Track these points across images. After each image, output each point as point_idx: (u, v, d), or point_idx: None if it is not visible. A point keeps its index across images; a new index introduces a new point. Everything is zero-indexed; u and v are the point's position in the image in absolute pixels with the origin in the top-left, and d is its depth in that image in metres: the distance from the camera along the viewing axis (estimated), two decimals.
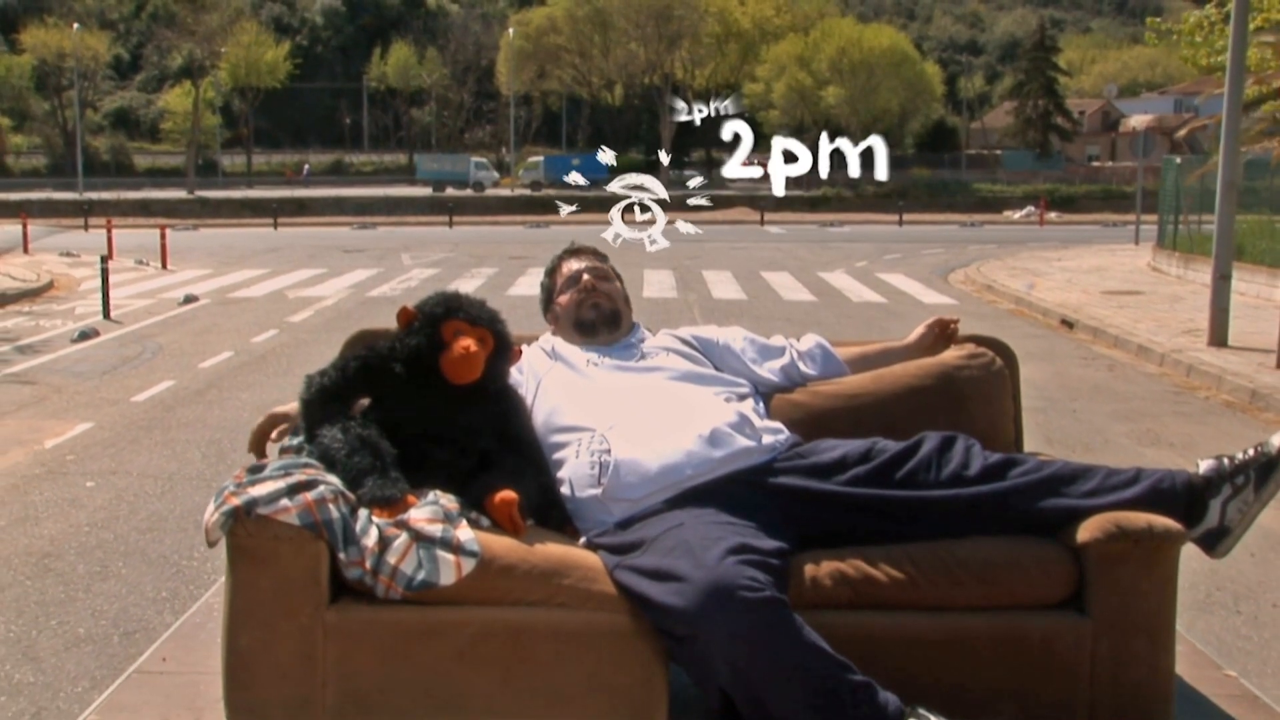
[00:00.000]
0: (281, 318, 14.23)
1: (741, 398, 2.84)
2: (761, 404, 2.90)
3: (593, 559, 2.43)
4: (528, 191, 57.55)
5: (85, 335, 12.54)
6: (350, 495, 2.38)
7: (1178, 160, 18.33)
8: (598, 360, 2.90)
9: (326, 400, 2.56)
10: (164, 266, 20.41)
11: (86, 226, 31.68)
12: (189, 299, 15.81)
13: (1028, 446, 3.28)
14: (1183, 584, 2.57)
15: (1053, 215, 37.24)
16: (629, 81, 71.32)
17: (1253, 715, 2.66)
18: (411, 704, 2.32)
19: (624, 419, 2.63)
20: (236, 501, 2.27)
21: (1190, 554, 2.51)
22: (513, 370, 2.89)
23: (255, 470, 2.40)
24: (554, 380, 2.84)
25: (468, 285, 17.80)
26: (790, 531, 2.43)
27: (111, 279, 15.27)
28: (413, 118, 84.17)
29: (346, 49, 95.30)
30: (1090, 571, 2.44)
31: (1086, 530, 2.45)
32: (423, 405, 2.56)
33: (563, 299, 3.06)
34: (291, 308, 15.27)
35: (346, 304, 15.78)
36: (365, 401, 2.61)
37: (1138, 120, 58.78)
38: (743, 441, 2.57)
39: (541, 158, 65.65)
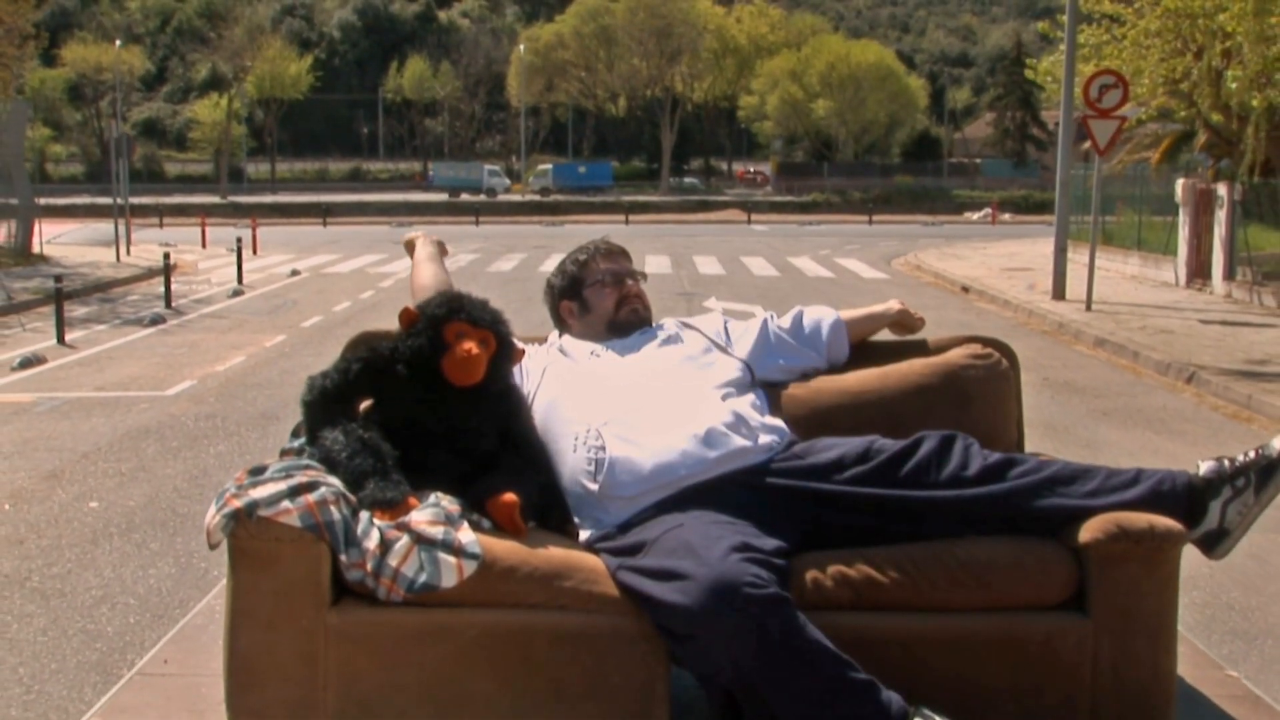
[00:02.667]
0: (372, 284, 18.89)
1: (742, 392, 2.81)
2: (764, 398, 2.88)
3: (594, 561, 2.44)
4: (537, 197, 61.93)
5: (237, 293, 17.20)
6: (352, 497, 2.39)
7: (1074, 168, 22.94)
8: (600, 351, 2.90)
9: (328, 402, 2.59)
10: (254, 252, 25.04)
11: (162, 224, 36.35)
12: (294, 272, 20.50)
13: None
14: (1184, 582, 2.58)
15: (1006, 216, 42.07)
16: (632, 94, 75.44)
17: (1255, 716, 2.67)
18: (413, 706, 2.34)
19: (619, 414, 2.64)
20: (238, 504, 2.28)
21: (1192, 553, 2.55)
22: (516, 370, 2.90)
23: (256, 472, 2.42)
24: (555, 373, 2.84)
25: (505, 265, 22.44)
26: (789, 532, 2.44)
27: (217, 260, 19.81)
28: (426, 127, 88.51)
29: (362, 62, 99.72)
30: (1091, 572, 2.46)
31: (1087, 531, 2.46)
32: (424, 407, 2.57)
33: (597, 296, 3.03)
34: (374, 280, 19.91)
35: None
36: (367, 403, 2.63)
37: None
38: (739, 441, 2.57)
39: (550, 165, 70.14)
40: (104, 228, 33.04)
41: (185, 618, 3.19)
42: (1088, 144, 21.53)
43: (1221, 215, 16.52)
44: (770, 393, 2.95)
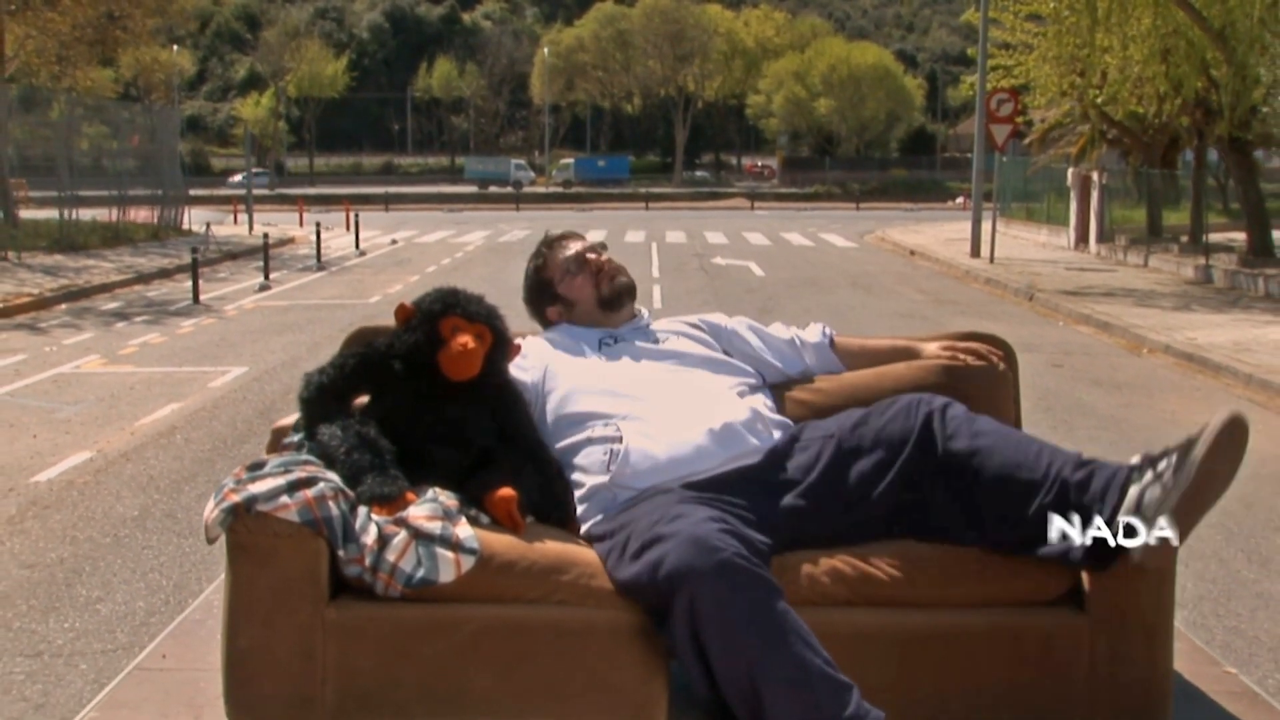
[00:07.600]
0: (459, 249, 24.66)
1: (754, 390, 2.86)
2: (770, 396, 2.91)
3: (592, 556, 2.48)
4: (560, 189, 67.58)
5: (361, 254, 22.97)
6: (350, 492, 2.41)
7: (1003, 159, 28.70)
8: (610, 342, 2.92)
9: (325, 398, 2.62)
10: (347, 229, 30.79)
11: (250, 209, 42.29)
12: (393, 242, 26.32)
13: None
14: (1182, 579, 2.61)
15: None
16: (647, 93, 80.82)
17: (1253, 712, 2.66)
18: (411, 701, 2.36)
19: (638, 407, 2.68)
20: (236, 498, 2.30)
21: (1191, 552, 2.60)
22: (516, 364, 2.87)
23: (255, 467, 2.43)
24: (563, 366, 2.84)
25: None
26: (783, 525, 2.48)
27: (323, 235, 25.35)
28: (453, 124, 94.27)
29: (390, 62, 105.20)
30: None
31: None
32: (421, 402, 2.61)
33: (573, 285, 3.02)
34: (456, 247, 25.66)
35: (489, 244, 26.24)
36: (364, 399, 2.67)
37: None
38: (752, 441, 2.62)
39: (571, 160, 75.66)
40: (201, 213, 39.08)
41: (183, 613, 3.20)
42: (1025, 141, 27.32)
43: (1095, 195, 22.21)
44: (774, 391, 2.97)
